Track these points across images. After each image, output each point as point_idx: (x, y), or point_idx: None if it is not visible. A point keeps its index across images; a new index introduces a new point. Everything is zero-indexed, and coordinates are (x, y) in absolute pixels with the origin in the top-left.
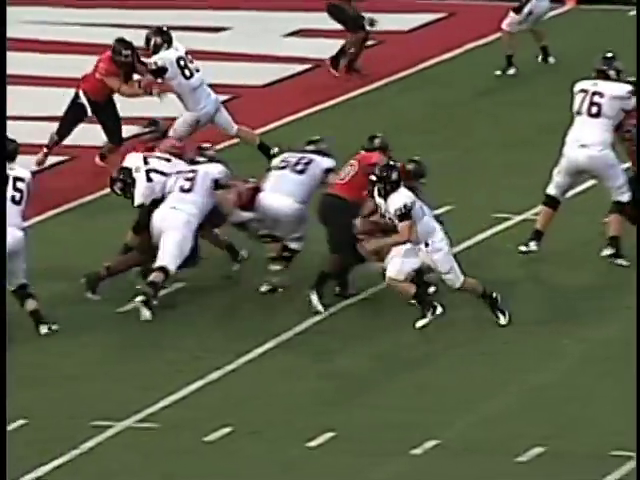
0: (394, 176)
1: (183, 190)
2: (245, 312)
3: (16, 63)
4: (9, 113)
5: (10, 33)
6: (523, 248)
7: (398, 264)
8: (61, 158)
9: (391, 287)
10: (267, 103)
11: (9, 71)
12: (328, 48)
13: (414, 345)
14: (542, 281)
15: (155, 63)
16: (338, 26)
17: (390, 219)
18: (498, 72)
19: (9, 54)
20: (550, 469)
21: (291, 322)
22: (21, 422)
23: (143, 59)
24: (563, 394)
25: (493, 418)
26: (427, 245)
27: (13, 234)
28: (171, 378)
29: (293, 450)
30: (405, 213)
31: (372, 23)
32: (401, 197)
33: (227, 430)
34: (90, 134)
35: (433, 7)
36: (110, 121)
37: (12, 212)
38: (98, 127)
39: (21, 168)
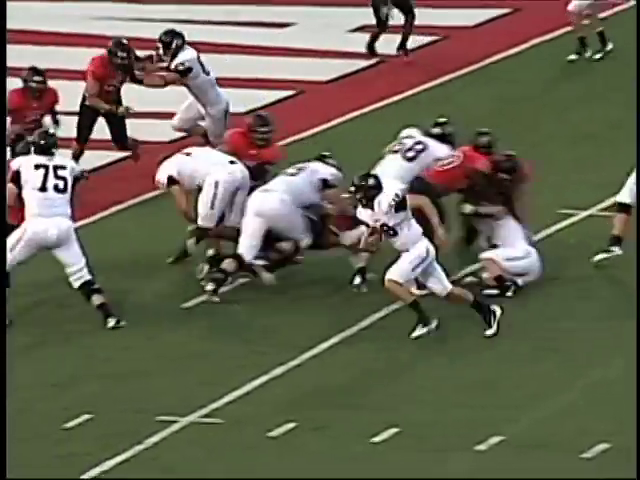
0: (371, 181)
1: (291, 175)
2: (309, 308)
3: (85, 59)
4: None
5: (79, 29)
6: (604, 255)
7: (402, 268)
8: (127, 153)
9: (389, 289)
10: (331, 99)
11: (78, 67)
12: (392, 44)
13: (479, 342)
14: (608, 277)
15: (182, 64)
16: (401, 22)
17: (384, 226)
18: (573, 57)
19: (77, 50)
20: (615, 465)
21: (355, 317)
22: (86, 417)
23: (157, 60)
24: (629, 390)
25: (558, 414)
26: (409, 251)
27: (60, 224)
28: (235, 373)
29: (357, 446)
30: (398, 204)
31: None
32: (390, 191)
33: (291, 426)
34: (157, 130)
35: (499, 2)
36: (115, 121)
37: (57, 201)
38: (161, 122)
39: (62, 157)
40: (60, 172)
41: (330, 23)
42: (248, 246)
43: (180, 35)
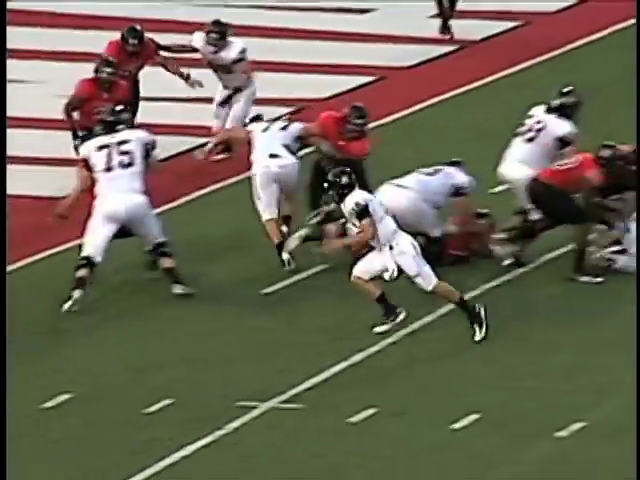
0: (344, 180)
1: (427, 174)
2: (389, 294)
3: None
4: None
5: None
6: None
7: (365, 263)
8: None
9: (356, 285)
10: (411, 85)
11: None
12: (474, 29)
13: (562, 328)
14: None
15: (242, 52)
16: (485, 7)
17: (353, 224)
18: None
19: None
20: None
21: (434, 304)
22: (167, 402)
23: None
24: None
25: None
26: (392, 248)
27: (129, 200)
28: (315, 360)
29: (437, 432)
30: (361, 211)
31: None
32: (355, 196)
33: (371, 411)
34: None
35: None
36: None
37: (125, 177)
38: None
39: (127, 131)
40: (124, 147)
41: (411, 9)
42: None
43: (230, 25)
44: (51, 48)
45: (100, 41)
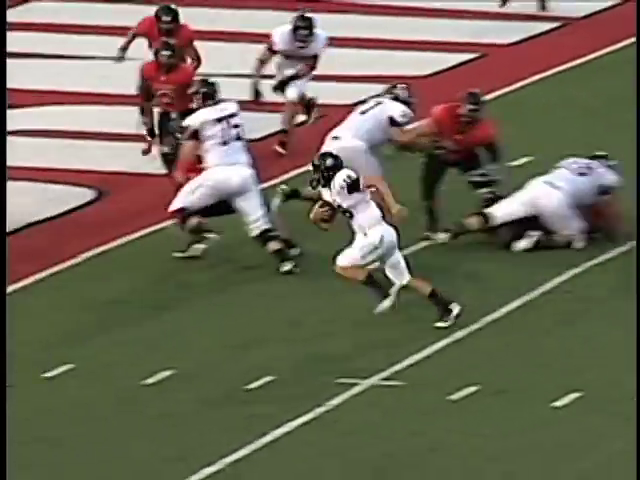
0: (329, 162)
1: (579, 174)
2: (491, 271)
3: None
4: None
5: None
6: None
7: (352, 255)
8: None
9: (340, 275)
10: (513, 62)
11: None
12: (576, 7)
13: None
14: None
15: (328, 43)
16: None
17: (339, 207)
18: None
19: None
20: None
21: (537, 282)
22: (268, 378)
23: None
24: None
25: None
26: (365, 235)
27: (241, 171)
28: (416, 337)
29: (538, 410)
30: (353, 182)
31: None
32: (342, 173)
33: (472, 389)
34: (338, 93)
35: None
36: None
37: (237, 150)
38: (336, 86)
39: (231, 104)
40: (233, 120)
41: None
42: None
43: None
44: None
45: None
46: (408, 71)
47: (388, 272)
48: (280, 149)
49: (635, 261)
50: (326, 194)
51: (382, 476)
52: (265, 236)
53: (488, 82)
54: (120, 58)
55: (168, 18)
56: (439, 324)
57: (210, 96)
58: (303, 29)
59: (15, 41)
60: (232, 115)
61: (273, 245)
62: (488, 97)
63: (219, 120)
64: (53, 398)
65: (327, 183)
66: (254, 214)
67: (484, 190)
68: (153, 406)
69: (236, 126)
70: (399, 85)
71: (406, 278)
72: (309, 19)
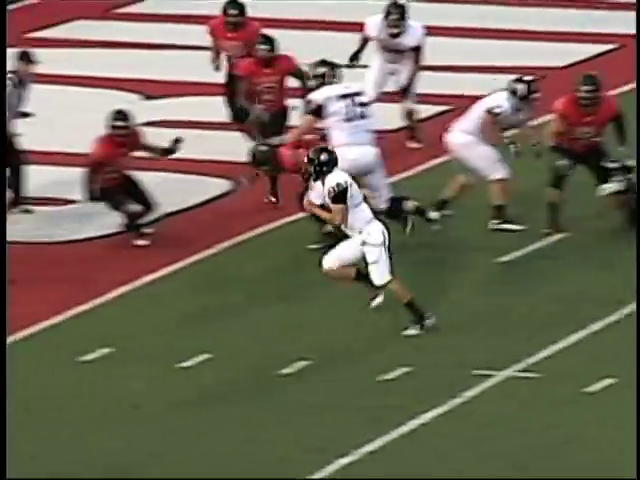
0: (323, 157)
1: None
2: (628, 263)
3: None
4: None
5: None
6: None
7: (336, 254)
8: (445, 108)
9: (330, 277)
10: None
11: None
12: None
13: None
14: None
15: (423, 38)
16: None
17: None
18: None
19: None
20: None
21: None
22: (403, 370)
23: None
24: None
25: None
26: (360, 233)
27: (369, 150)
28: (552, 328)
29: None
30: (339, 193)
31: None
32: (337, 177)
33: (609, 381)
34: (471, 84)
35: None
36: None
37: (364, 128)
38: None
39: (355, 84)
40: (359, 99)
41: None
42: None
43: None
44: None
45: None
46: (545, 62)
47: (370, 270)
48: (414, 144)
49: None
50: (319, 188)
51: (518, 468)
52: (396, 201)
53: (624, 73)
54: (217, 67)
55: (235, 11)
56: (408, 332)
57: (333, 75)
58: (394, 14)
59: (151, 33)
60: (357, 94)
61: (410, 204)
62: (625, 88)
63: (344, 97)
64: (189, 387)
65: (320, 177)
66: (383, 189)
67: (621, 177)
68: (288, 393)
69: (362, 104)
70: (525, 78)
71: (386, 279)
72: (401, 6)
